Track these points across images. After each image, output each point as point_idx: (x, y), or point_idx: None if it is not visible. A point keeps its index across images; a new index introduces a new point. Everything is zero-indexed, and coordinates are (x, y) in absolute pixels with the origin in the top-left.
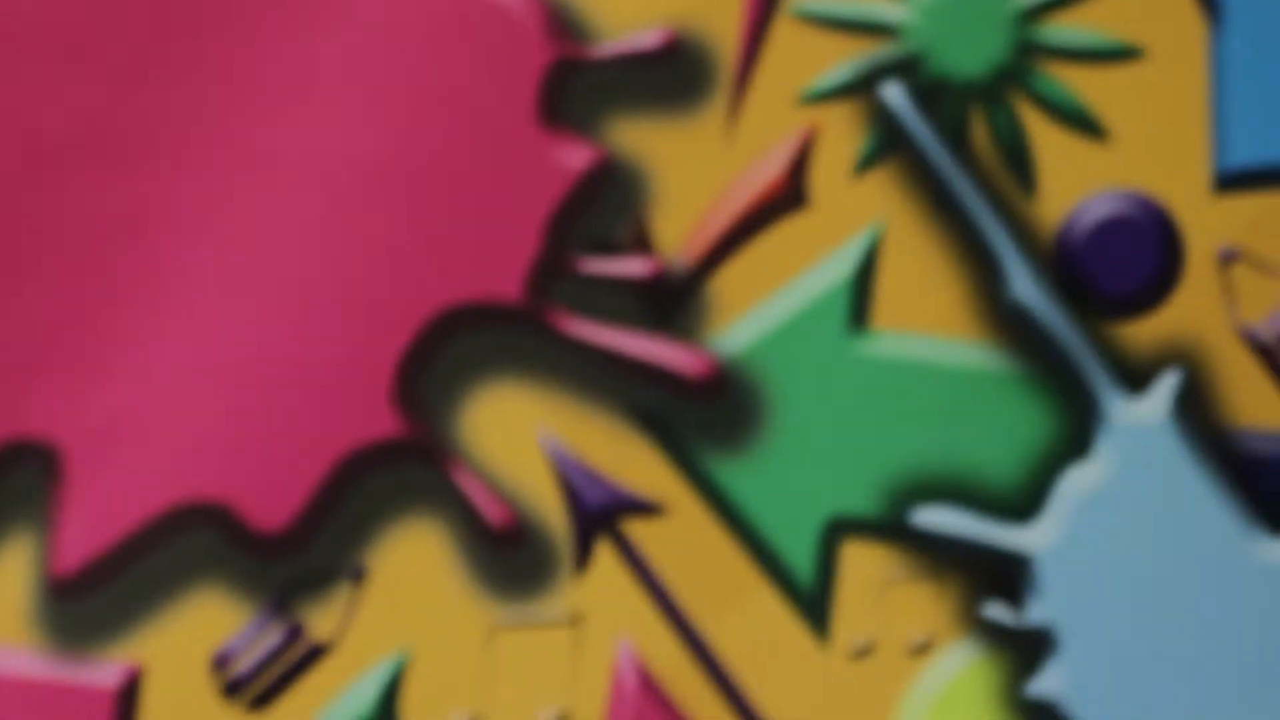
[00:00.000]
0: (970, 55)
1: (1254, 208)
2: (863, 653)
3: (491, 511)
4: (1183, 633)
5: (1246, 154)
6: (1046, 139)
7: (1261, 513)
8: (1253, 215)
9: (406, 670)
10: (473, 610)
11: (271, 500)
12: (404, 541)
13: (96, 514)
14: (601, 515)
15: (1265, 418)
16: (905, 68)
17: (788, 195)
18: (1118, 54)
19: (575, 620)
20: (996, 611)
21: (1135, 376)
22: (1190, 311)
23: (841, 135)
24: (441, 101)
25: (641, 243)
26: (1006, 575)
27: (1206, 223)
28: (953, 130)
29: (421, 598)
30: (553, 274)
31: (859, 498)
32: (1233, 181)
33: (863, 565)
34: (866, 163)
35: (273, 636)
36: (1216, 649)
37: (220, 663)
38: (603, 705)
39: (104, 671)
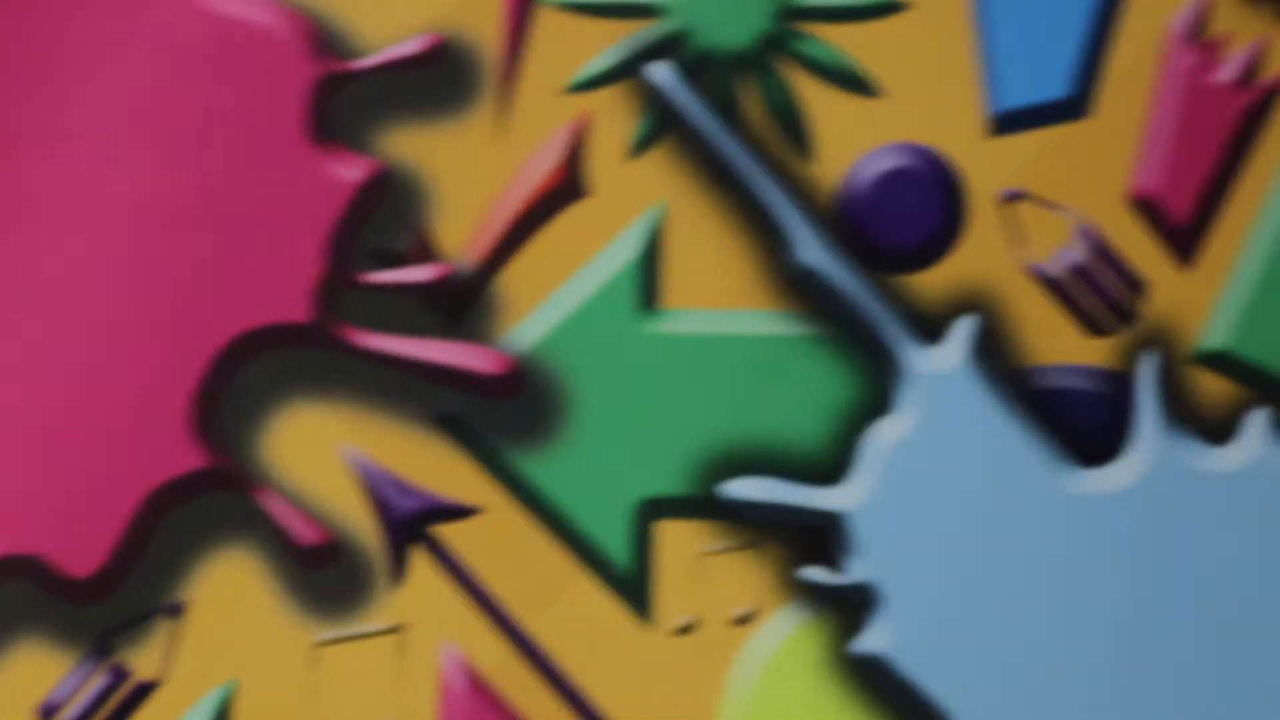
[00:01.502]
0: (732, 27)
1: (1030, 147)
2: (687, 630)
3: (302, 531)
4: (1003, 573)
5: (1017, 96)
6: (818, 101)
7: (1069, 445)
8: (1030, 155)
9: (234, 698)
10: (294, 631)
11: (81, 546)
12: (219, 571)
13: None
14: (412, 523)
15: (1062, 352)
16: (669, 46)
17: (566, 186)
18: (879, 9)
19: (397, 629)
20: (815, 574)
21: (931, 326)
22: (978, 256)
23: (614, 120)
24: (210, 128)
25: (425, 249)
26: (823, 538)
27: (985, 167)
28: (724, 103)
29: (242, 624)
30: (339, 289)
31: (668, 477)
32: (1006, 124)
33: (678, 544)
34: (641, 145)
35: (98, 680)
36: (1037, 585)
37: (47, 711)
38: (433, 710)
39: None
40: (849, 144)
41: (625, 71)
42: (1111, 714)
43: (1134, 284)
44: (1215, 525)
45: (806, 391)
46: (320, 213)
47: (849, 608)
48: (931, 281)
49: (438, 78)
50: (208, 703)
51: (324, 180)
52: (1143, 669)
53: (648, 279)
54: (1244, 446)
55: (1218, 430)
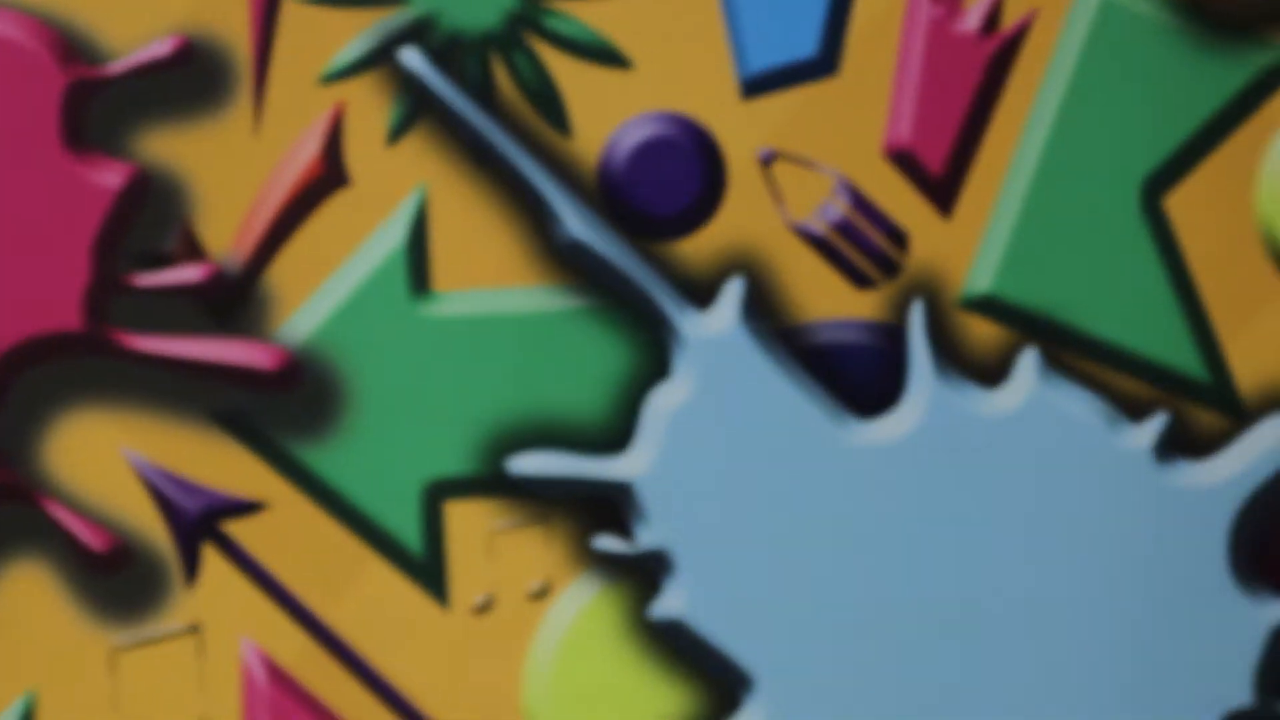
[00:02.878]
0: (480, 7)
1: (783, 107)
2: (484, 608)
3: (90, 538)
4: (790, 529)
5: (766, 58)
6: (571, 76)
7: (845, 399)
8: (783, 115)
9: (35, 710)
10: (91, 638)
11: None
12: (10, 584)
13: None
14: (202, 522)
15: (831, 308)
16: (419, 31)
17: (327, 176)
18: None
19: (195, 629)
20: (608, 543)
21: (701, 291)
22: (741, 218)
23: (369, 108)
24: None
25: (192, 248)
26: (613, 507)
27: (740, 130)
28: (477, 84)
29: (38, 635)
30: (108, 295)
31: (454, 458)
32: (758, 86)
33: (469, 523)
34: (399, 131)
35: None
36: (825, 538)
37: None
38: (236, 707)
39: None
40: (604, 117)
41: (377, 59)
42: (906, 659)
43: (896, 235)
44: (995, 466)
45: (584, 363)
46: (83, 220)
47: (644, 575)
48: (697, 246)
49: (190, 77)
50: (9, 716)
51: (84, 187)
52: (934, 614)
53: (417, 263)
54: (1017, 387)
55: (990, 373)
